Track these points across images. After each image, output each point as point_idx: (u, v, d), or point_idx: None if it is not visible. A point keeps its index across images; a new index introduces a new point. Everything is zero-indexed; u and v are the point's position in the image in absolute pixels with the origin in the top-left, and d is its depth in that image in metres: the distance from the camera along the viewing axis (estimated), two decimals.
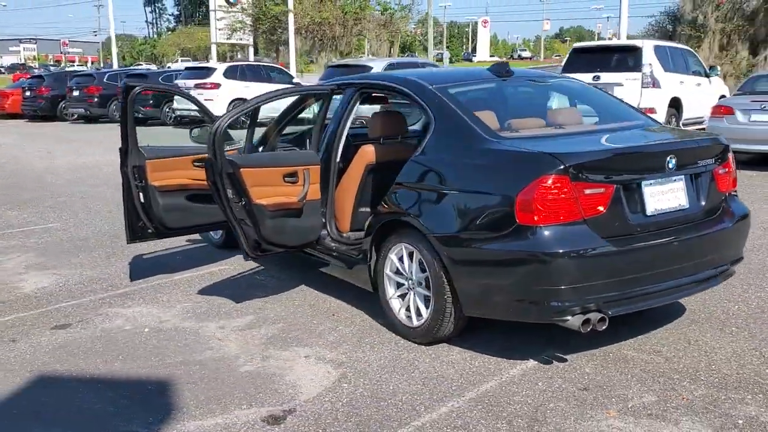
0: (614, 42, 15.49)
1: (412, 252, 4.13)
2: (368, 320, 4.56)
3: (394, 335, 4.29)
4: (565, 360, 3.86)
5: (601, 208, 3.55)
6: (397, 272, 4.30)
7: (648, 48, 12.79)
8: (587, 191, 3.52)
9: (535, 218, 3.49)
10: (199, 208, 5.40)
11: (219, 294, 5.20)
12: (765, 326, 4.26)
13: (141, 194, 5.16)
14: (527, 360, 3.89)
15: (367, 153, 4.86)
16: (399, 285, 4.31)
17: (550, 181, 3.47)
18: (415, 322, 4.13)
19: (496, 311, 3.80)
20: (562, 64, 13.70)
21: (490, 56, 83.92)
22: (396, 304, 4.31)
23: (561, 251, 3.46)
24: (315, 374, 3.80)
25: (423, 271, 4.07)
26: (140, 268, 5.91)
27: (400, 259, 4.25)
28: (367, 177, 4.90)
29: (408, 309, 4.22)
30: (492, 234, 3.65)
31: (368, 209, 4.82)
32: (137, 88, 5.06)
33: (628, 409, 3.33)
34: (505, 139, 3.91)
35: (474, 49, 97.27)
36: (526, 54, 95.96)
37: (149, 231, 5.31)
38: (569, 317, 3.52)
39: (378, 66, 14.89)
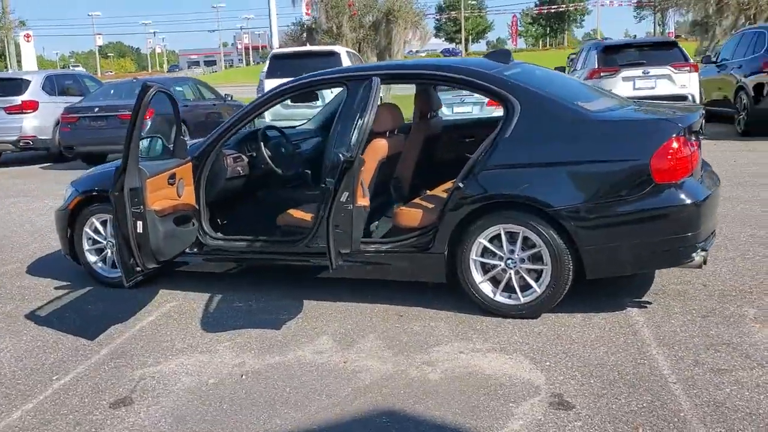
0: (313, 48, 16.22)
1: (513, 232, 4.22)
2: (456, 316, 4.46)
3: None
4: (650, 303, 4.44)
5: (694, 163, 4.21)
6: (485, 255, 4.33)
7: (343, 53, 13.87)
8: (691, 149, 4.14)
9: (671, 176, 3.99)
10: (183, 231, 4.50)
11: (239, 325, 4.41)
12: None
13: (139, 223, 4.07)
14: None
15: (380, 147, 4.69)
16: (487, 268, 4.34)
17: (676, 144, 4.00)
18: (524, 299, 4.25)
19: (626, 267, 4.19)
20: (265, 69, 13.94)
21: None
22: (488, 287, 4.35)
23: (695, 201, 4.04)
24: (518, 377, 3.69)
25: (530, 247, 4.21)
26: (87, 324, 4.58)
27: (491, 242, 4.29)
28: (379, 170, 4.73)
29: (506, 289, 4.30)
30: (629, 197, 4.03)
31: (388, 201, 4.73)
32: (153, 88, 3.98)
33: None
34: (599, 111, 4.30)
35: (20, 63, 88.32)
36: (80, 68, 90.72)
37: (138, 269, 4.21)
38: (695, 258, 4.11)
39: None
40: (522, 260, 4.26)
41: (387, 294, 4.78)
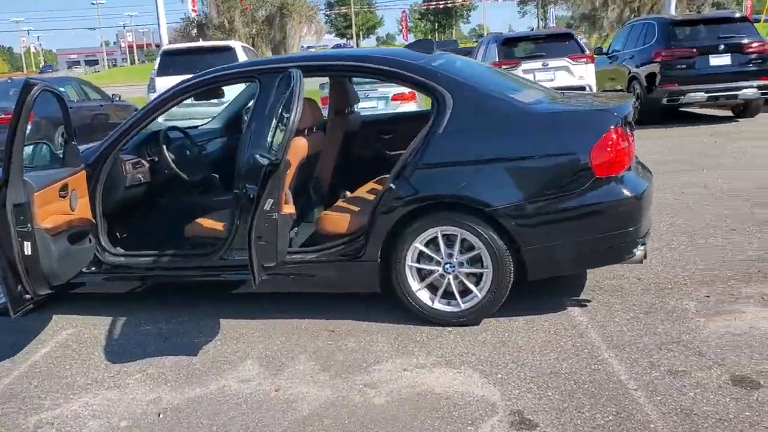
0: (207, 43, 15.38)
1: (451, 234, 3.95)
2: (396, 328, 4.13)
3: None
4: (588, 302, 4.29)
5: (631, 155, 4.06)
6: (422, 261, 4.04)
7: (239, 48, 13.27)
8: (629, 140, 3.99)
9: (611, 169, 3.82)
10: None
11: (150, 353, 3.91)
12: None
13: (26, 244, 3.49)
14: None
15: (301, 146, 4.31)
16: (424, 275, 4.06)
17: (615, 135, 3.83)
18: (465, 305, 3.98)
19: (569, 266, 3.99)
20: (156, 67, 13.14)
21: None
22: (425, 295, 4.06)
23: (636, 194, 3.89)
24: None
25: (469, 250, 3.95)
26: None
27: (428, 246, 4.00)
28: (298, 172, 4.35)
29: (445, 295, 4.02)
30: (570, 192, 3.82)
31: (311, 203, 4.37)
32: (38, 86, 3.39)
33: None
34: (534, 104, 4.07)
35: None
36: None
37: (27, 297, 3.63)
38: (636, 253, 3.96)
39: None
40: (461, 264, 3.98)
41: (313, 307, 4.39)
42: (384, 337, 3.95)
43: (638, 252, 3.98)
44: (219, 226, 4.35)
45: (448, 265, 3.99)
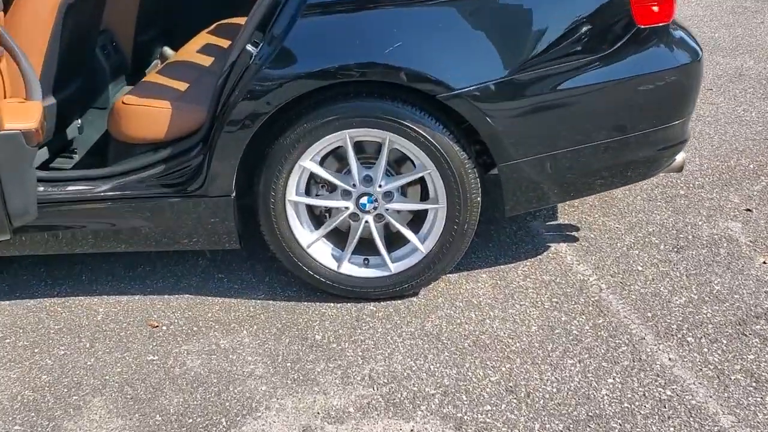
0: None
1: (371, 142, 2.12)
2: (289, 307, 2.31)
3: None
4: None
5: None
6: (315, 191, 2.22)
7: None
8: None
9: (659, 15, 2.08)
10: None
11: None
12: None
13: None
14: None
15: None
16: (321, 216, 2.24)
17: None
18: (395, 265, 2.22)
19: (573, 190, 2.27)
20: None
21: None
22: (324, 251, 2.25)
23: (696, 57, 2.20)
24: None
25: (402, 168, 2.16)
26: None
27: (326, 163, 2.17)
28: (67, 24, 2.29)
29: (359, 250, 2.24)
30: (590, 56, 2.06)
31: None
32: None
33: None
34: None
35: None
36: None
37: None
38: (677, 158, 2.35)
39: None
40: (388, 195, 2.18)
41: (103, 279, 2.47)
42: (254, 340, 2.14)
43: (680, 156, 2.36)
44: None
45: (365, 198, 2.17)
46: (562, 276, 2.34)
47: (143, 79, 2.61)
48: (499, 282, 2.33)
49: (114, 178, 2.20)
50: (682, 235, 2.55)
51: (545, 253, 2.48)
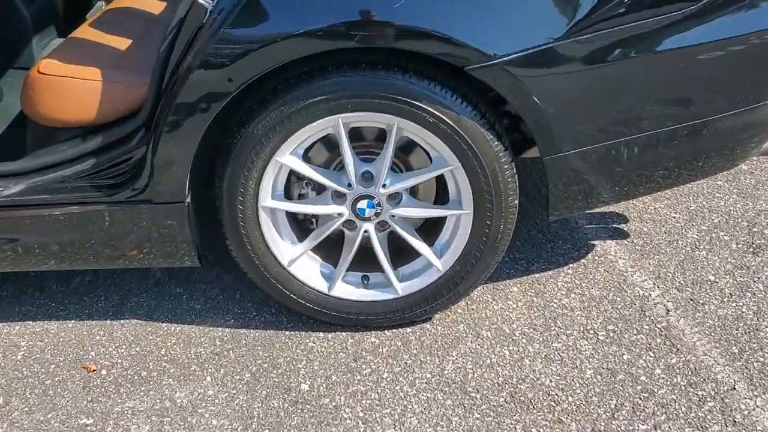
0: None
1: (373, 128, 1.58)
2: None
3: None
4: None
5: None
6: (297, 192, 1.68)
7: None
8: None
9: None
10: None
11: None
12: None
13: None
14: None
15: None
16: (305, 225, 1.70)
17: None
18: (402, 286, 1.70)
19: (632, 188, 1.72)
20: None
21: None
22: (312, 268, 1.72)
23: None
24: None
25: (410, 162, 1.61)
26: None
27: (310, 156, 1.62)
28: None
29: (358, 267, 1.72)
30: (665, 16, 1.48)
31: None
32: None
33: None
34: None
35: None
36: None
37: None
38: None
39: None
40: (394, 198, 1.63)
41: (28, 298, 1.93)
42: (220, 391, 1.62)
43: None
44: None
45: (364, 202, 1.62)
46: (616, 290, 1.84)
47: (71, 35, 2.01)
48: (535, 299, 1.83)
49: (27, 177, 1.64)
50: (756, 229, 2.04)
51: (589, 256, 1.97)
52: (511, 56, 1.41)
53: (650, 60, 1.49)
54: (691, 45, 1.51)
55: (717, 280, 1.86)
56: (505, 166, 1.55)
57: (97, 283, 1.96)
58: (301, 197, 1.71)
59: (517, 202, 1.61)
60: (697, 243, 2.00)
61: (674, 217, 2.11)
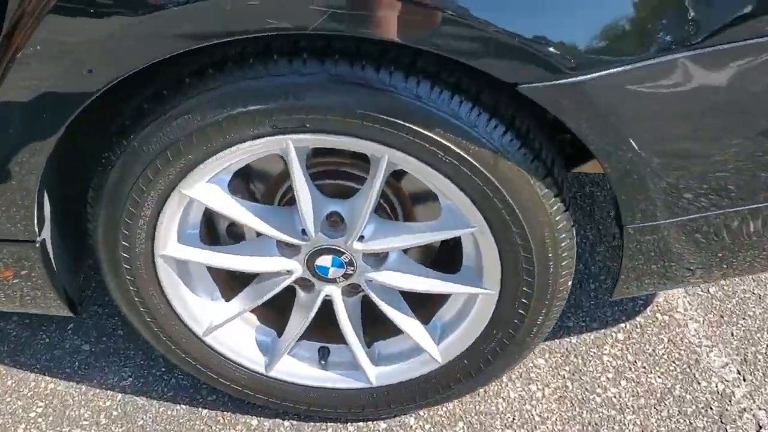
0: None
1: (342, 152, 0.94)
2: None
3: None
4: None
5: None
6: (224, 235, 1.06)
7: None
8: None
9: None
10: None
11: None
12: None
13: None
14: None
15: None
16: (233, 282, 1.11)
17: None
18: (379, 373, 1.12)
19: (736, 266, 1.10)
20: None
21: None
22: (240, 333, 1.13)
23: None
24: None
25: (411, 211, 1.00)
26: None
27: (240, 186, 0.99)
28: None
29: (313, 337, 1.13)
30: None
31: None
32: None
33: None
34: None
35: None
36: None
37: None
38: None
39: None
40: (375, 256, 1.02)
41: None
42: None
43: None
44: None
45: (326, 258, 1.01)
46: (685, 380, 1.27)
47: None
48: (569, 385, 1.26)
49: None
50: None
51: (648, 311, 1.39)
52: (591, 75, 0.76)
53: None
54: None
55: None
56: (563, 235, 0.94)
57: None
58: (232, 235, 1.10)
59: (570, 283, 1.01)
60: None
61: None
